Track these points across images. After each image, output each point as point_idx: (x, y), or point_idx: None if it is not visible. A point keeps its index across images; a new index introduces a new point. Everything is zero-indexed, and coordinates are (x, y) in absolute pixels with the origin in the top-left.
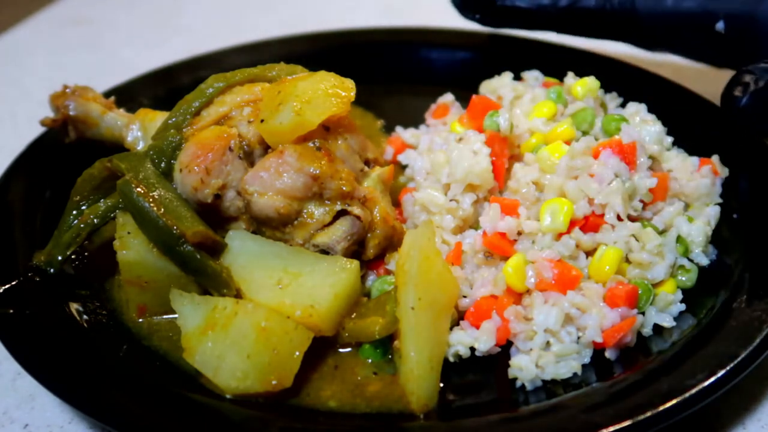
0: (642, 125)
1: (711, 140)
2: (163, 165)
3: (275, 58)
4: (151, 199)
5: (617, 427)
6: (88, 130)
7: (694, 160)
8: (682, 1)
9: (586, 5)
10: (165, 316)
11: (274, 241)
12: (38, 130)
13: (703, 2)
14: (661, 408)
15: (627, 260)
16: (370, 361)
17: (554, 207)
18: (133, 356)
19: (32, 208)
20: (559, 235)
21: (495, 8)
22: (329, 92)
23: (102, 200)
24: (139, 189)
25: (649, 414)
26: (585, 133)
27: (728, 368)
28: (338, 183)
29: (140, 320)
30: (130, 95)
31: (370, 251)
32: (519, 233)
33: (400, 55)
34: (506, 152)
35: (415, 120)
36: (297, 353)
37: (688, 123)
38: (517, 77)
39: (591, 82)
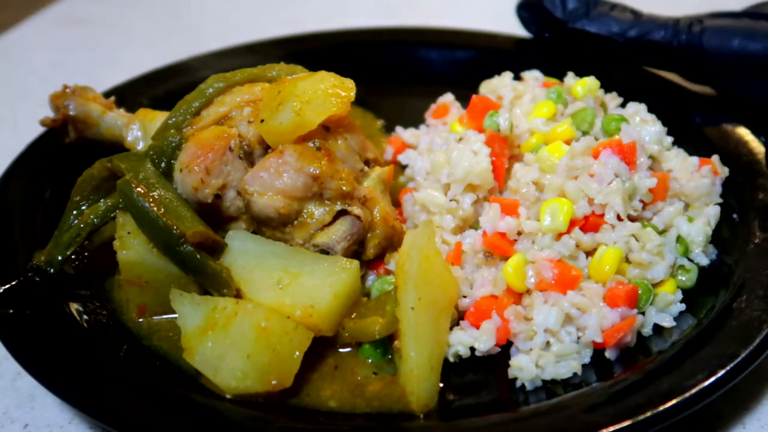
0: (642, 125)
1: (711, 140)
2: (163, 165)
3: (275, 58)
4: (151, 199)
5: (617, 427)
6: (88, 130)
7: (694, 160)
8: (748, 42)
9: (654, 38)
10: (165, 316)
11: (274, 241)
12: (38, 130)
13: None
14: (661, 408)
15: (627, 260)
16: (370, 361)
17: (554, 207)
18: (133, 356)
19: (32, 208)
20: (559, 235)
21: (565, 30)
22: (329, 92)
23: (102, 200)
24: (139, 189)
25: (649, 414)
26: (585, 133)
27: (728, 368)
28: (338, 183)
29: (140, 320)
30: (130, 95)
31: (370, 251)
32: (519, 233)
33: (400, 55)
34: (506, 152)
35: (415, 120)
36: (297, 353)
37: (688, 123)
38: (517, 77)
39: (591, 82)
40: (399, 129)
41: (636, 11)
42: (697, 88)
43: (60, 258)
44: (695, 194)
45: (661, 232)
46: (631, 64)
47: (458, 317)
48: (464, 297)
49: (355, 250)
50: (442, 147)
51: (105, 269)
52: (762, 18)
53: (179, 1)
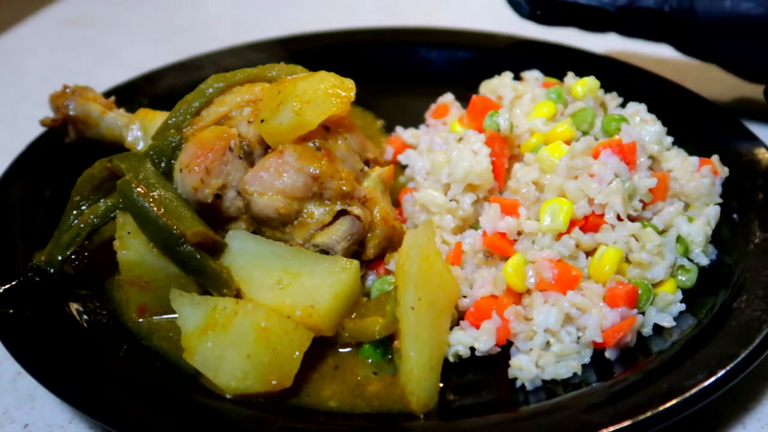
0: (642, 125)
1: (711, 140)
2: (163, 165)
3: (275, 58)
4: (151, 199)
5: (617, 427)
6: (88, 130)
7: (694, 160)
8: (740, 2)
9: (645, 5)
10: (165, 316)
11: (274, 241)
12: (38, 130)
13: (761, 3)
14: (661, 408)
15: (627, 260)
16: (370, 361)
17: (554, 207)
18: (133, 356)
19: (32, 208)
20: (559, 235)
21: (555, 4)
22: (329, 92)
23: (102, 200)
24: (139, 189)
25: (649, 414)
26: (585, 133)
27: (728, 368)
28: (338, 183)
29: (140, 320)
30: (130, 95)
31: (370, 251)
32: (519, 233)
33: (400, 55)
34: (506, 152)
35: (415, 120)
36: (297, 353)
37: (688, 123)
38: (517, 77)
39: (591, 82)
40: (399, 129)
41: None
42: (698, 87)
43: (60, 258)
44: (695, 194)
45: (661, 232)
46: (623, 34)
47: (458, 317)
48: (464, 297)
49: (355, 250)
50: (442, 147)
51: (105, 269)
52: None
53: (179, 1)
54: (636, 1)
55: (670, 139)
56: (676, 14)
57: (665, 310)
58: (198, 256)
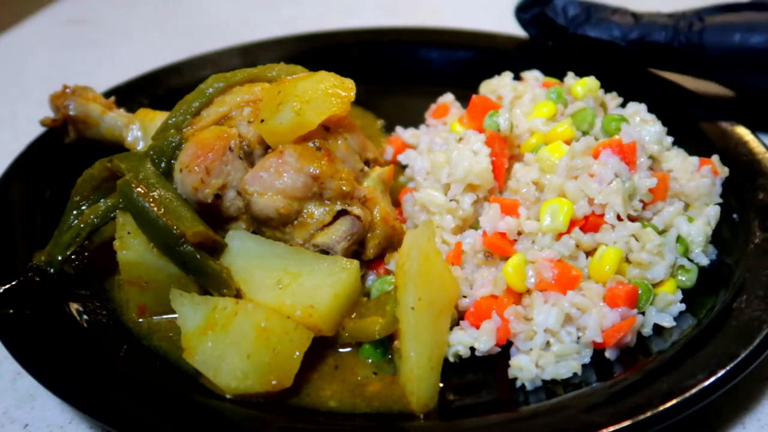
0: (642, 125)
1: (711, 140)
2: (163, 165)
3: (275, 58)
4: (151, 199)
5: (617, 427)
6: (88, 130)
7: (694, 160)
8: (749, 36)
9: (655, 39)
10: (165, 316)
11: (274, 241)
12: (38, 130)
13: None
14: (661, 408)
15: (627, 260)
16: (370, 361)
17: (554, 207)
18: (133, 356)
19: (32, 208)
20: (559, 235)
21: (567, 37)
22: (329, 92)
23: (102, 200)
24: (139, 189)
25: (649, 414)
26: (585, 133)
27: (728, 368)
28: (338, 183)
29: (140, 320)
30: (130, 95)
31: (370, 251)
32: (519, 233)
33: (400, 55)
34: (506, 152)
35: (415, 120)
36: (297, 353)
37: (688, 123)
38: (517, 77)
39: (591, 82)
40: (399, 129)
41: (637, 14)
42: (698, 87)
43: (60, 258)
44: (695, 194)
45: (661, 232)
46: (632, 66)
47: (458, 317)
48: (464, 297)
49: (355, 250)
50: (442, 147)
51: (105, 269)
52: (764, 9)
53: (179, 1)
54: (646, 36)
55: (670, 139)
56: (686, 49)
57: (665, 310)
58: (198, 256)
